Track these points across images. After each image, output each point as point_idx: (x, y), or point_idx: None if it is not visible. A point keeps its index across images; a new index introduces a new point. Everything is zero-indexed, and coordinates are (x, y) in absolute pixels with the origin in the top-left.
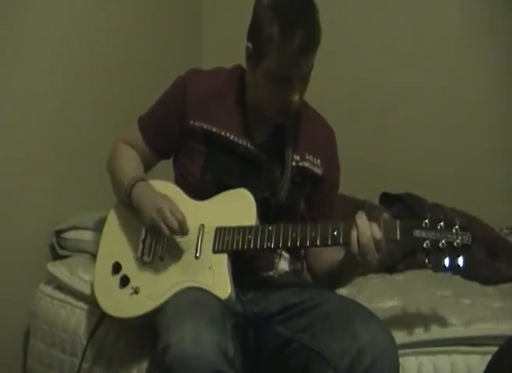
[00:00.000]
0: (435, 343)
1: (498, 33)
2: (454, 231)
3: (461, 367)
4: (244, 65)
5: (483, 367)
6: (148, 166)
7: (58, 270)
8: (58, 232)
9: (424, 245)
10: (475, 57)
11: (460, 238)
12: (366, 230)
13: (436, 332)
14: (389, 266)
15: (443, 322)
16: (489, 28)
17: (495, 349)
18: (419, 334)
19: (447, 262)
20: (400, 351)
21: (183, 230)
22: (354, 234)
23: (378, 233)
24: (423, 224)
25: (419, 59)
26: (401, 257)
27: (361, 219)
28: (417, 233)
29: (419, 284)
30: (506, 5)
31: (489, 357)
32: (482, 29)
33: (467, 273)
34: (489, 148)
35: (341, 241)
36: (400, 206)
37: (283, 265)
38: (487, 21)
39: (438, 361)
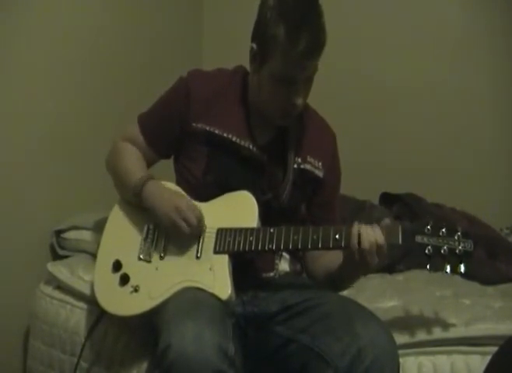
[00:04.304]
0: (435, 343)
1: (498, 32)
2: (456, 237)
3: (461, 367)
4: (245, 66)
5: (483, 367)
6: (148, 165)
7: (58, 269)
8: (58, 232)
9: (426, 251)
10: (475, 57)
11: (462, 244)
12: (369, 233)
13: (436, 332)
14: (389, 266)
15: (443, 322)
16: (488, 28)
17: (495, 349)
18: (419, 334)
19: (448, 269)
20: (400, 351)
21: (201, 227)
22: (356, 236)
23: (381, 237)
24: (425, 230)
25: (418, 59)
26: (401, 257)
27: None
28: (419, 239)
29: (418, 284)
30: (506, 5)
31: (489, 357)
32: (482, 28)
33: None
34: (489, 148)
35: (342, 244)
36: (400, 206)
37: (284, 265)
38: (487, 21)
39: (438, 361)
